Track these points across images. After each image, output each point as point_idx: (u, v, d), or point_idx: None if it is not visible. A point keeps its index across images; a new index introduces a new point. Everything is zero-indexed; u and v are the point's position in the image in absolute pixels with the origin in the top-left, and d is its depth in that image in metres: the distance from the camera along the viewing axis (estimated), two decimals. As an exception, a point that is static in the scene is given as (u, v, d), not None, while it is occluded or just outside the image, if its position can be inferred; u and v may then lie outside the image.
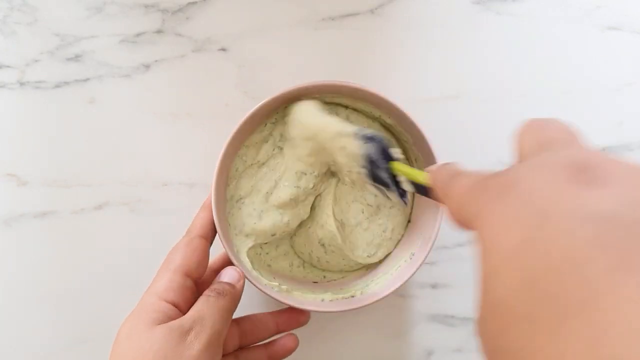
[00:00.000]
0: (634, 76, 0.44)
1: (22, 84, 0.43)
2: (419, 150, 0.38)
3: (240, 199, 0.38)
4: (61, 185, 0.43)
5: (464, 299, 0.43)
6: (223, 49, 0.43)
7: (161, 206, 0.43)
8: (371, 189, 0.34)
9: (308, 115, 0.35)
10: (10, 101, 0.43)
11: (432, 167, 0.24)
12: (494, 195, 0.16)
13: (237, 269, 0.34)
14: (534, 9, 0.44)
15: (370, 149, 0.32)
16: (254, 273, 0.37)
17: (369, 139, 0.32)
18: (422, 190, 0.27)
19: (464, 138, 0.43)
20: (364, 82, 0.36)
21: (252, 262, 0.38)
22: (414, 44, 0.44)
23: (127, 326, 0.30)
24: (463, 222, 0.19)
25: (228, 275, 0.34)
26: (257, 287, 0.35)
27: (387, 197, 0.32)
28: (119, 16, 0.43)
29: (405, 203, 0.32)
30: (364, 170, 0.33)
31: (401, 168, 0.30)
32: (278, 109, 0.38)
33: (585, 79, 0.44)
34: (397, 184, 0.31)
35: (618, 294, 0.12)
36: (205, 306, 0.31)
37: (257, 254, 0.40)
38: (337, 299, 0.38)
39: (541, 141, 0.18)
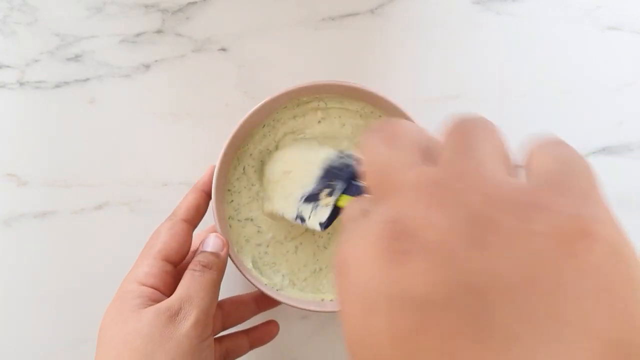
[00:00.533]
0: (634, 76, 0.44)
1: (22, 84, 0.43)
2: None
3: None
4: (61, 185, 0.43)
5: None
6: (223, 49, 0.43)
7: (161, 206, 0.43)
8: (287, 216, 0.35)
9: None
10: (10, 101, 0.43)
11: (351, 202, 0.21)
12: (336, 276, 0.16)
13: (220, 236, 0.34)
14: (534, 9, 0.44)
15: (336, 162, 0.34)
16: (254, 272, 0.37)
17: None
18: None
19: (464, 138, 0.43)
20: (364, 82, 0.36)
21: (253, 262, 0.38)
22: (414, 44, 0.44)
23: (110, 314, 0.30)
24: None
25: (211, 244, 0.33)
26: (257, 286, 0.35)
27: (302, 222, 0.35)
28: (119, 16, 0.43)
29: (322, 229, 0.34)
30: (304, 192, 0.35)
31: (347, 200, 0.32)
32: (278, 109, 0.38)
33: (585, 79, 0.44)
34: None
35: None
36: (192, 283, 0.30)
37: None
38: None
39: (373, 182, 0.17)
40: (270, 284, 0.37)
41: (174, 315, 0.29)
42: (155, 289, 0.31)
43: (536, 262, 0.13)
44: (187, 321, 0.29)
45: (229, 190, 0.38)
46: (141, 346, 0.28)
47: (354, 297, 0.15)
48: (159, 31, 0.43)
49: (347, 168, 0.34)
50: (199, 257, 0.32)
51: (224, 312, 0.36)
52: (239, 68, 0.43)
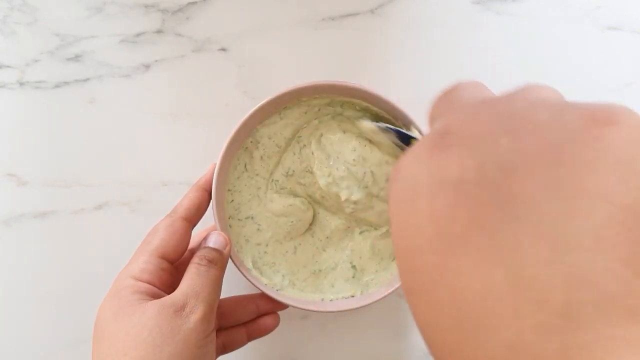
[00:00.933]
0: (634, 76, 0.44)
1: (22, 84, 0.43)
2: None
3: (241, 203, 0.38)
4: (61, 185, 0.43)
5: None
6: (223, 49, 0.43)
7: (161, 206, 0.42)
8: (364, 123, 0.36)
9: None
10: (10, 101, 0.43)
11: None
12: (390, 182, 0.18)
13: (223, 234, 0.34)
14: (534, 9, 0.44)
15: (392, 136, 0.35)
16: (254, 272, 0.37)
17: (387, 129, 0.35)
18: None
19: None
20: (364, 82, 0.36)
21: (253, 262, 0.38)
22: (414, 44, 0.44)
23: (107, 309, 0.30)
24: None
25: (214, 240, 0.33)
26: (256, 286, 0.35)
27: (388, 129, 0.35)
28: (119, 16, 0.43)
29: (395, 133, 0.35)
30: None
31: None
32: (278, 109, 0.38)
33: (585, 79, 0.44)
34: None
35: (469, 250, 0.14)
36: (198, 279, 0.30)
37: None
38: (337, 299, 0.38)
39: (437, 112, 0.19)
40: (270, 284, 0.37)
41: (180, 310, 0.29)
42: (151, 285, 0.31)
43: (563, 143, 0.14)
44: (195, 315, 0.29)
45: (229, 190, 0.38)
46: (148, 338, 0.27)
47: (401, 188, 0.16)
48: (159, 31, 0.43)
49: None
50: (202, 252, 0.32)
51: (222, 311, 0.36)
52: (239, 68, 0.43)
